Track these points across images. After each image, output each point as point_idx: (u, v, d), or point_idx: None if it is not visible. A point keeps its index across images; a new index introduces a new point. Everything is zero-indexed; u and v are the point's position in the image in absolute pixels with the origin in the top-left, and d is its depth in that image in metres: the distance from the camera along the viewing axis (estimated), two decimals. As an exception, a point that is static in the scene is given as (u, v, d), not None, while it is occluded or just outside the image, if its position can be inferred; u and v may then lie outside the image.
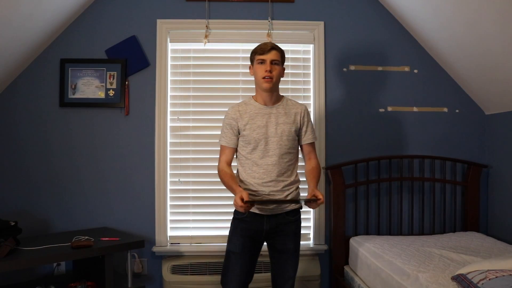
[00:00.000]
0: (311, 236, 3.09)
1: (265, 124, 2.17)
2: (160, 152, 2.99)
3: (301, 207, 2.27)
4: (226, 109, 2.29)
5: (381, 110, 3.13)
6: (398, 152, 3.10)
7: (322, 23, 3.09)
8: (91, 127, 2.99)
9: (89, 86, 2.97)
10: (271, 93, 2.20)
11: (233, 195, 2.08)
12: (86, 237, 2.49)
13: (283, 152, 2.17)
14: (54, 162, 2.96)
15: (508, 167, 2.91)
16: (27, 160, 2.94)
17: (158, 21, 3.01)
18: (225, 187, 2.19)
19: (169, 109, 3.03)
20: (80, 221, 2.94)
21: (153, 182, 2.99)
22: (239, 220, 2.20)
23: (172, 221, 3.03)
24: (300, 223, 2.26)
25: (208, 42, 3.02)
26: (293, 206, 2.20)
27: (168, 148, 3.02)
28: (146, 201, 2.99)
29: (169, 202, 3.02)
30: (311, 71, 3.10)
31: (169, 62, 3.05)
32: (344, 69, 3.11)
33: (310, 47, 3.11)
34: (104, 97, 2.97)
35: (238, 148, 2.23)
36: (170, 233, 3.03)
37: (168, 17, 3.02)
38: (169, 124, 3.03)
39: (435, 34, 2.92)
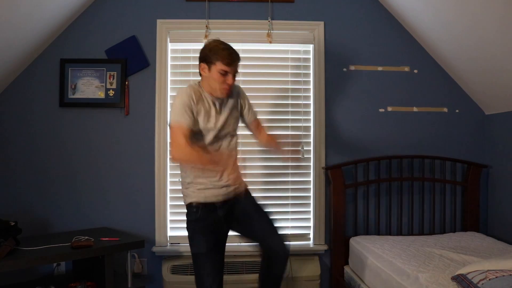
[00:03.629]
0: (311, 236, 3.09)
1: (215, 113, 2.11)
2: (160, 152, 2.99)
3: None
4: None
5: (381, 110, 3.13)
6: (398, 152, 3.10)
7: (322, 23, 3.09)
8: (91, 127, 2.99)
9: (89, 86, 2.97)
10: None
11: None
12: (86, 237, 2.49)
13: (233, 136, 2.19)
14: (54, 162, 2.96)
15: (508, 167, 2.91)
16: (27, 160, 2.94)
17: (158, 21, 3.01)
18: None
19: (169, 109, 3.03)
20: (80, 221, 2.94)
21: (153, 182, 2.99)
22: (194, 221, 2.13)
23: (172, 221, 3.03)
24: (250, 192, 2.24)
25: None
26: (241, 189, 2.20)
27: (168, 148, 3.02)
28: (146, 201, 2.99)
29: (169, 202, 3.02)
30: (311, 71, 3.10)
31: (169, 62, 3.05)
32: (344, 69, 3.11)
33: (310, 47, 3.10)
34: (104, 97, 2.97)
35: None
36: (170, 233, 3.02)
37: (168, 17, 3.02)
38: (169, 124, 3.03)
39: (435, 34, 2.92)
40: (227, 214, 2.14)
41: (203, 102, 2.10)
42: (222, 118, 2.13)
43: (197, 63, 2.99)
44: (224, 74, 2.05)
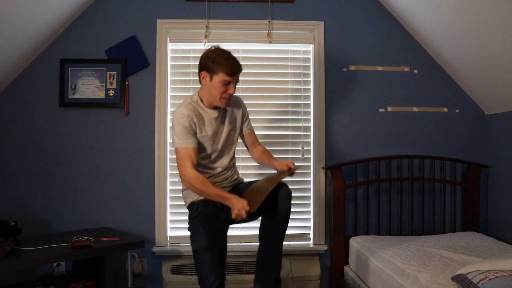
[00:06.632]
0: (311, 236, 3.09)
1: (217, 130, 2.14)
2: (160, 152, 2.99)
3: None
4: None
5: (381, 110, 3.13)
6: (398, 152, 3.10)
7: (322, 23, 3.08)
8: (91, 127, 2.99)
9: (89, 86, 2.97)
10: None
11: None
12: (86, 237, 2.49)
13: (232, 149, 2.23)
14: (54, 162, 2.96)
15: (508, 167, 2.91)
16: (27, 160, 2.94)
17: (158, 21, 3.01)
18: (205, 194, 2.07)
19: (169, 109, 3.03)
20: (80, 221, 2.94)
21: (153, 182, 2.99)
22: (193, 217, 2.16)
23: (172, 221, 3.03)
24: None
25: (208, 42, 3.02)
26: (239, 180, 2.29)
27: (168, 148, 3.02)
28: (146, 201, 2.99)
29: (169, 202, 3.02)
30: (311, 71, 3.10)
31: (169, 62, 3.05)
32: (344, 69, 3.11)
33: (310, 47, 3.11)
34: (104, 97, 2.97)
35: None
36: (170, 233, 3.03)
37: (168, 17, 3.02)
38: (169, 124, 3.03)
39: (435, 34, 2.92)
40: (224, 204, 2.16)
41: (203, 120, 2.10)
42: (223, 134, 2.15)
43: (197, 63, 3.04)
44: (226, 84, 2.04)
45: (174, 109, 3.02)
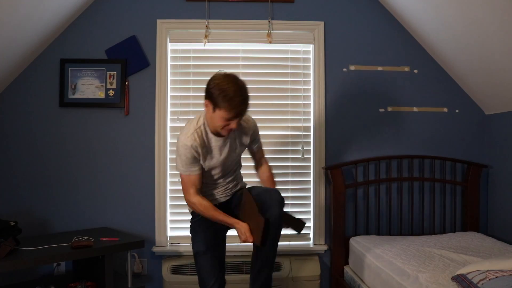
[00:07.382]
0: (311, 236, 3.09)
1: (222, 154, 2.09)
2: (160, 152, 2.99)
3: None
4: None
5: (381, 110, 3.13)
6: (398, 152, 3.10)
7: (322, 23, 3.08)
8: (91, 127, 2.99)
9: (89, 86, 2.97)
10: None
11: None
12: (86, 237, 2.49)
13: (237, 167, 2.24)
14: (54, 162, 2.96)
15: (508, 167, 2.91)
16: (27, 160, 2.94)
17: (158, 21, 3.01)
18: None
19: (169, 109, 3.03)
20: (80, 221, 2.94)
21: (153, 182, 2.99)
22: (196, 221, 2.20)
23: (172, 221, 3.04)
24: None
25: (208, 42, 3.02)
26: (241, 186, 2.29)
27: (168, 148, 3.02)
28: (146, 201, 2.99)
29: (169, 202, 3.03)
30: (311, 71, 3.10)
31: (169, 62, 3.05)
32: (344, 69, 3.11)
33: (310, 47, 3.10)
34: (104, 97, 2.97)
35: None
36: (170, 233, 3.03)
37: (168, 17, 3.02)
38: (169, 124, 3.03)
39: (435, 34, 2.92)
40: (225, 204, 2.20)
41: (207, 150, 2.05)
42: (227, 160, 2.12)
43: (197, 63, 3.06)
44: (228, 120, 1.91)
45: (175, 108, 3.04)
